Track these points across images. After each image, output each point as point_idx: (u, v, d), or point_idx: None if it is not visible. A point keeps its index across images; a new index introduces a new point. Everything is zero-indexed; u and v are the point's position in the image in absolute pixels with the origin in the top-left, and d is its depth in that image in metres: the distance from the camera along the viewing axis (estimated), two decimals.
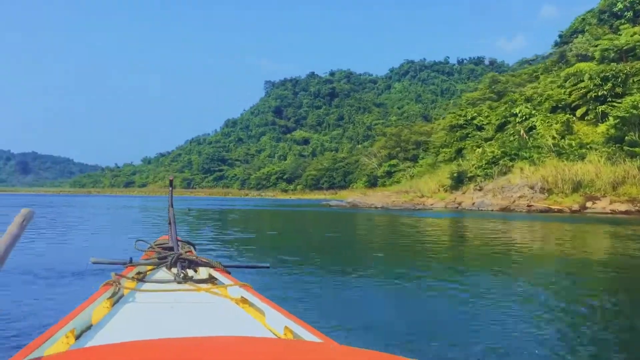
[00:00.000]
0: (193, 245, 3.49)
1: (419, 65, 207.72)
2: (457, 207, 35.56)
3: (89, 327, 1.67)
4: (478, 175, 40.52)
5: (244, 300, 2.10)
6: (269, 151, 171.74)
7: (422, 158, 73.72)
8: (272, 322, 1.77)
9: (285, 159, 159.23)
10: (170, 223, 3.38)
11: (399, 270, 7.57)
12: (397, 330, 4.06)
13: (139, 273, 2.59)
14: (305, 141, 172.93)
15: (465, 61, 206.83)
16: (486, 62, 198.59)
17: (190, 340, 1.09)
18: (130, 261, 2.67)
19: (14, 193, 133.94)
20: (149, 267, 2.71)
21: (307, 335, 1.47)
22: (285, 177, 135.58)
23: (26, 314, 3.98)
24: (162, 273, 2.66)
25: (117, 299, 2.08)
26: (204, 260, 2.70)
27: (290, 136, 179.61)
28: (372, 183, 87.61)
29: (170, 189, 3.90)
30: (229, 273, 2.57)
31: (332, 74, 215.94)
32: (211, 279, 2.55)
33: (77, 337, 1.55)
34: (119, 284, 2.16)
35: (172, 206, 3.60)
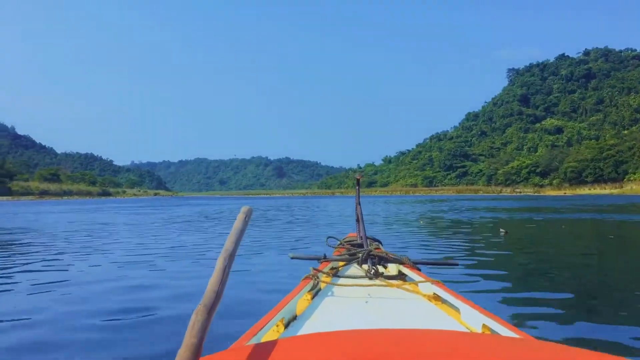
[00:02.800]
0: (380, 241, 3.57)
1: None
2: None
3: (294, 318, 1.80)
4: None
5: (436, 297, 2.10)
6: (516, 143, 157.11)
7: None
8: (468, 319, 1.73)
9: (535, 151, 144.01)
10: (358, 220, 3.50)
11: None
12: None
13: (332, 268, 2.73)
14: (558, 130, 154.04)
15: None
16: None
17: (390, 331, 1.11)
18: (325, 257, 2.83)
19: (269, 196, 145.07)
20: (341, 263, 2.88)
21: (508, 333, 1.43)
22: (538, 170, 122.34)
23: (240, 301, 4.28)
24: (354, 269, 2.78)
25: (315, 292, 2.20)
26: (394, 256, 2.73)
27: (540, 125, 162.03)
28: None
29: (357, 187, 3.99)
30: (419, 269, 2.58)
31: (586, 53, 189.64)
32: (401, 275, 2.60)
33: (286, 326, 1.68)
34: (317, 278, 2.29)
35: (359, 204, 3.69)
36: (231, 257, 1.11)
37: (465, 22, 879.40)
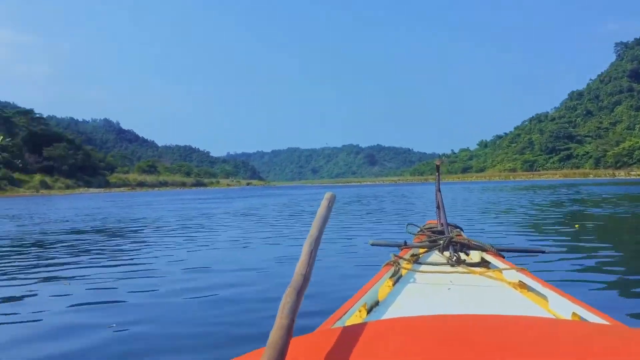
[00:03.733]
0: (461, 228, 3.46)
1: None
2: None
3: (376, 303, 1.80)
4: None
5: (522, 285, 2.04)
6: (627, 122, 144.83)
7: None
8: (557, 307, 1.68)
9: None
10: (438, 207, 3.53)
11: None
12: None
13: (413, 255, 2.72)
14: None
15: None
16: None
17: (476, 317, 1.09)
18: (405, 244, 2.78)
19: (360, 184, 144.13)
20: (422, 250, 2.83)
21: (599, 321, 1.38)
22: None
23: (322, 286, 4.40)
24: (435, 256, 2.75)
25: (397, 278, 2.20)
26: (476, 243, 2.64)
27: None
28: None
29: (438, 174, 3.93)
30: (503, 257, 2.48)
31: None
32: (484, 263, 2.51)
33: (368, 312, 1.70)
34: (398, 264, 2.29)
35: (439, 190, 3.72)
36: (316, 242, 1.13)
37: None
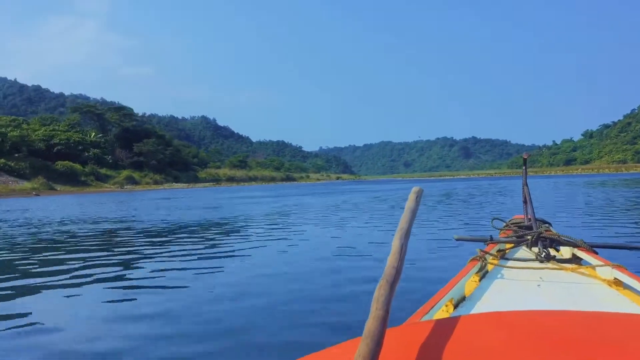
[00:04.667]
0: (550, 223, 3.38)
1: None
2: None
3: (463, 298, 1.79)
4: None
5: (617, 282, 1.94)
6: None
7: None
8: None
9: None
10: (525, 202, 3.44)
11: None
12: None
13: (499, 250, 2.66)
14: None
15: None
16: None
17: (572, 313, 1.06)
18: (491, 239, 2.75)
19: (453, 177, 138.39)
20: (509, 245, 2.76)
21: None
22: None
23: (408, 280, 4.44)
24: (523, 251, 2.69)
25: (483, 274, 2.15)
26: (567, 238, 2.55)
27: None
28: None
29: (524, 167, 3.79)
30: (596, 253, 2.40)
31: None
32: (575, 259, 2.43)
33: (455, 307, 1.68)
34: (484, 259, 2.25)
35: (526, 185, 3.59)
36: (406, 235, 1.13)
37: None
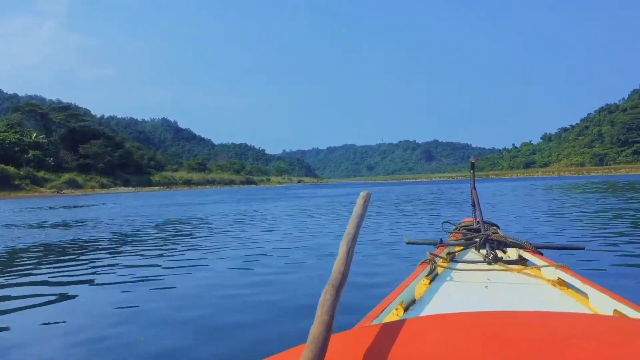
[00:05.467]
0: (497, 225, 3.50)
1: None
2: None
3: (413, 301, 1.81)
4: None
5: (561, 282, 2.02)
6: None
7: None
8: (598, 304, 1.65)
9: None
10: (474, 205, 3.48)
11: None
12: None
13: (449, 253, 2.72)
14: None
15: None
16: None
17: (517, 314, 1.08)
18: (441, 242, 2.79)
19: (415, 180, 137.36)
20: (458, 248, 2.83)
21: None
22: None
23: (358, 284, 4.46)
24: (471, 254, 2.76)
25: (433, 277, 2.18)
26: (513, 240, 2.62)
27: None
28: None
29: (472, 171, 3.86)
30: (541, 254, 2.47)
31: None
32: (521, 260, 2.51)
33: (405, 310, 1.70)
34: (434, 262, 2.28)
35: (474, 188, 3.64)
36: (353, 240, 1.13)
37: None
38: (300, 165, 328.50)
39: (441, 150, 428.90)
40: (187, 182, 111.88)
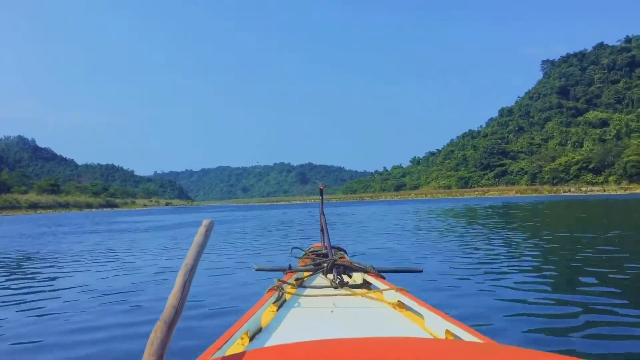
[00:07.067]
0: (345, 250, 3.52)
1: None
2: None
3: (259, 330, 1.80)
4: None
5: (400, 305, 2.12)
6: (559, 138, 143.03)
7: None
8: (432, 325, 1.76)
9: (581, 146, 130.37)
10: (322, 230, 3.52)
11: None
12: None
13: (297, 279, 2.73)
14: (603, 123, 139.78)
15: None
16: None
17: (356, 340, 1.13)
18: (290, 268, 2.82)
19: (288, 203, 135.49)
20: (307, 273, 2.87)
21: (471, 338, 1.46)
22: (590, 167, 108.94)
23: (204, 314, 4.41)
24: (319, 279, 2.80)
25: (281, 304, 2.21)
26: (358, 265, 2.71)
27: (583, 119, 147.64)
28: None
29: (321, 197, 3.93)
30: (383, 277, 2.59)
31: (627, 40, 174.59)
32: (366, 284, 2.59)
33: (251, 339, 1.68)
34: (282, 289, 2.30)
35: (323, 214, 3.69)
36: (191, 272, 1.10)
37: (484, 26, 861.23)
38: (172, 187, 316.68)
39: (315, 173, 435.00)
40: (34, 206, 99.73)
